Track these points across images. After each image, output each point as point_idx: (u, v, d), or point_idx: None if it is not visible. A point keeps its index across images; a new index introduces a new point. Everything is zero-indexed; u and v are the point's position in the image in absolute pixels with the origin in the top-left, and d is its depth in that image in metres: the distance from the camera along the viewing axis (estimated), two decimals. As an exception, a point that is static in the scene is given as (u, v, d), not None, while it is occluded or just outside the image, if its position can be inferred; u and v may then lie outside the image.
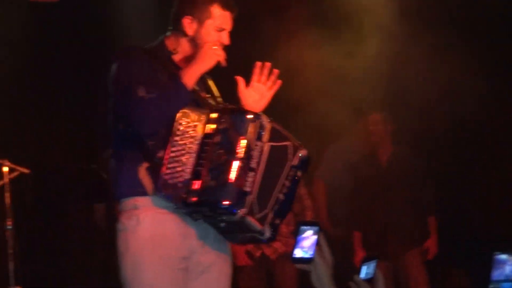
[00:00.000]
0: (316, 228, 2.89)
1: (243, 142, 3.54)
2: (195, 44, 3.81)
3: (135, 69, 3.70)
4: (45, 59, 7.48)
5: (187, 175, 3.53)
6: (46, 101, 7.61)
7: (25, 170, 6.63)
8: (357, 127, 7.32)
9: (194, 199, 3.53)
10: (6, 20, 6.91)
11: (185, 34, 3.80)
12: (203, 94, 3.85)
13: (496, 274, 3.02)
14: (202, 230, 3.73)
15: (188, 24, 3.78)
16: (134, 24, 7.13)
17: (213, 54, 3.68)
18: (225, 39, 3.80)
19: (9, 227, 6.45)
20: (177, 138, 3.58)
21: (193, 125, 3.62)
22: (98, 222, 7.53)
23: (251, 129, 3.57)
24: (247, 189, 3.50)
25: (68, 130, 7.59)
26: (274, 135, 3.64)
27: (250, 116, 3.59)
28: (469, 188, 7.46)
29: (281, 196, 3.63)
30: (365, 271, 3.22)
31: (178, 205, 3.60)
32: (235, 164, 3.50)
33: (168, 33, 3.84)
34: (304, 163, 3.74)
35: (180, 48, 3.82)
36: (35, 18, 7.27)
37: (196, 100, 3.76)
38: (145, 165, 3.68)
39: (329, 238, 3.46)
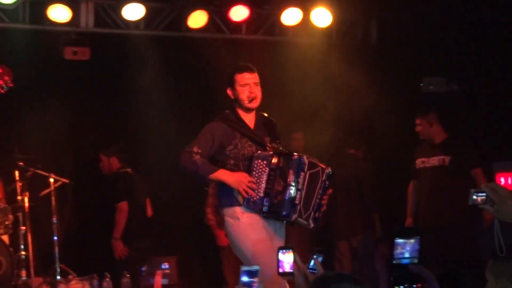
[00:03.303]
0: (290, 249, 3.46)
1: (291, 174, 5.23)
2: (238, 101, 5.53)
3: (202, 134, 5.45)
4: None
5: (261, 195, 5.31)
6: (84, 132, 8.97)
7: (66, 180, 8.02)
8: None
9: (266, 210, 5.30)
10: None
11: (231, 99, 5.58)
12: (266, 139, 5.48)
13: (396, 253, 3.33)
14: (273, 223, 5.45)
15: (230, 92, 5.56)
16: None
17: (238, 186, 5.29)
18: (252, 89, 5.46)
19: (55, 221, 7.78)
20: (254, 172, 5.34)
21: (263, 164, 5.32)
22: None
23: (296, 165, 5.24)
24: (297, 202, 5.27)
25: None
26: (311, 166, 5.33)
27: (295, 157, 5.27)
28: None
29: (318, 200, 5.40)
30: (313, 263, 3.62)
31: (257, 213, 5.35)
32: (289, 189, 5.22)
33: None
34: (330, 177, 5.45)
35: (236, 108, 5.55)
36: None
37: (261, 143, 5.45)
38: None
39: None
